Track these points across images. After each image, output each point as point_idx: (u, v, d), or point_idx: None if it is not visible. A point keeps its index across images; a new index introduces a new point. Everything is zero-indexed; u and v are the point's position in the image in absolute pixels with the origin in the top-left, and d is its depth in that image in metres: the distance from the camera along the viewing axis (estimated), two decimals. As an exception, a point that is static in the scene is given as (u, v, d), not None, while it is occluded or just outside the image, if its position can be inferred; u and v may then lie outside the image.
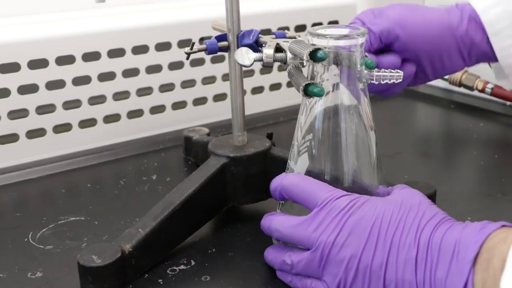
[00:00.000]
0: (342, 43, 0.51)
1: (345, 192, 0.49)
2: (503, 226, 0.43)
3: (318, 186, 0.50)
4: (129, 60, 0.85)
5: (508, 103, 0.97)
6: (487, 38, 0.64)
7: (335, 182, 0.52)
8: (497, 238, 0.42)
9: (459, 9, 0.67)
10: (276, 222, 0.51)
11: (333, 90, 0.52)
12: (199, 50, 0.59)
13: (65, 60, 0.80)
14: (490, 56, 0.67)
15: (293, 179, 0.52)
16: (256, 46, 0.58)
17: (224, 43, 0.60)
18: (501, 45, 0.64)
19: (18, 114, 0.79)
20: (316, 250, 0.47)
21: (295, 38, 0.55)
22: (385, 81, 0.54)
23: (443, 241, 0.44)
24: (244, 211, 0.66)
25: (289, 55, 0.52)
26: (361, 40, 0.51)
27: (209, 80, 0.94)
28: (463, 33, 0.64)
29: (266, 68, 0.94)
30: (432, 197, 0.62)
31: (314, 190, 0.50)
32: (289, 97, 1.01)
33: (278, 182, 0.53)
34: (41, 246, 0.60)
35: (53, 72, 0.80)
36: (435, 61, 0.66)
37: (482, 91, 0.97)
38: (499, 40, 0.64)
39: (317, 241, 0.47)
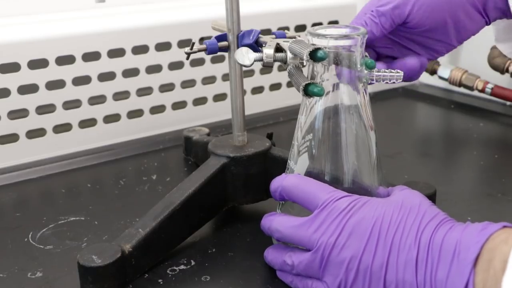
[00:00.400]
0: (342, 43, 0.51)
1: (346, 193, 0.49)
2: (504, 226, 0.43)
3: (318, 187, 0.50)
4: (129, 60, 0.85)
5: (508, 103, 0.97)
6: None
7: (335, 182, 0.52)
8: (498, 239, 0.42)
9: None
10: (277, 222, 0.51)
11: (333, 90, 0.52)
12: (199, 50, 0.59)
13: (65, 60, 0.80)
14: (504, 10, 0.64)
15: (293, 180, 0.52)
16: (256, 46, 0.58)
17: (224, 43, 0.60)
18: None
19: (18, 114, 0.79)
20: (317, 252, 0.47)
21: (295, 38, 0.55)
22: (385, 81, 0.54)
23: (443, 242, 0.44)
24: (244, 211, 0.66)
25: (289, 55, 0.52)
26: (361, 40, 0.51)
27: (209, 80, 0.94)
28: None
29: (266, 68, 0.94)
30: (432, 197, 0.62)
31: (314, 191, 0.50)
32: (289, 97, 1.01)
33: (279, 183, 0.53)
34: (41, 246, 0.60)
35: (53, 72, 0.80)
36: (455, 23, 0.61)
37: (482, 91, 0.97)
38: None
39: (317, 242, 0.47)
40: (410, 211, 0.47)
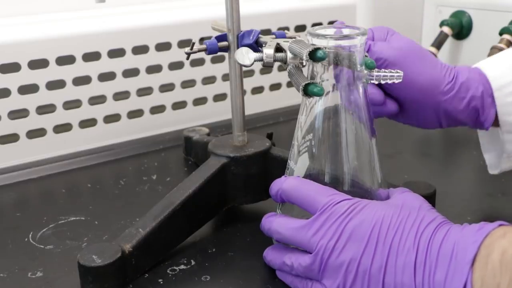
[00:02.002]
0: (342, 43, 0.51)
1: (346, 196, 0.49)
2: (500, 225, 0.43)
3: (318, 190, 0.50)
4: (129, 60, 0.85)
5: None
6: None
7: (335, 182, 0.52)
8: (495, 235, 0.42)
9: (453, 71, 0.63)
10: (277, 224, 0.51)
11: (333, 90, 0.52)
12: (199, 50, 0.59)
13: (65, 60, 0.80)
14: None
15: (293, 183, 0.52)
16: (256, 46, 0.58)
17: (224, 43, 0.60)
18: (503, 101, 0.61)
19: (18, 114, 0.79)
20: (316, 255, 0.47)
21: (295, 38, 0.55)
22: (385, 81, 0.53)
23: (442, 245, 0.44)
24: (244, 211, 0.66)
25: (289, 55, 0.52)
26: (361, 40, 0.51)
27: (209, 80, 0.94)
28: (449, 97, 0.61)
29: (266, 68, 0.94)
30: (431, 197, 0.62)
31: (314, 194, 0.50)
32: (289, 97, 1.01)
33: (278, 186, 0.53)
34: (41, 246, 0.60)
35: (53, 72, 0.80)
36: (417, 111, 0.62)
37: (482, 91, 0.96)
38: (502, 96, 0.61)
39: (317, 245, 0.47)
40: (409, 214, 0.47)
